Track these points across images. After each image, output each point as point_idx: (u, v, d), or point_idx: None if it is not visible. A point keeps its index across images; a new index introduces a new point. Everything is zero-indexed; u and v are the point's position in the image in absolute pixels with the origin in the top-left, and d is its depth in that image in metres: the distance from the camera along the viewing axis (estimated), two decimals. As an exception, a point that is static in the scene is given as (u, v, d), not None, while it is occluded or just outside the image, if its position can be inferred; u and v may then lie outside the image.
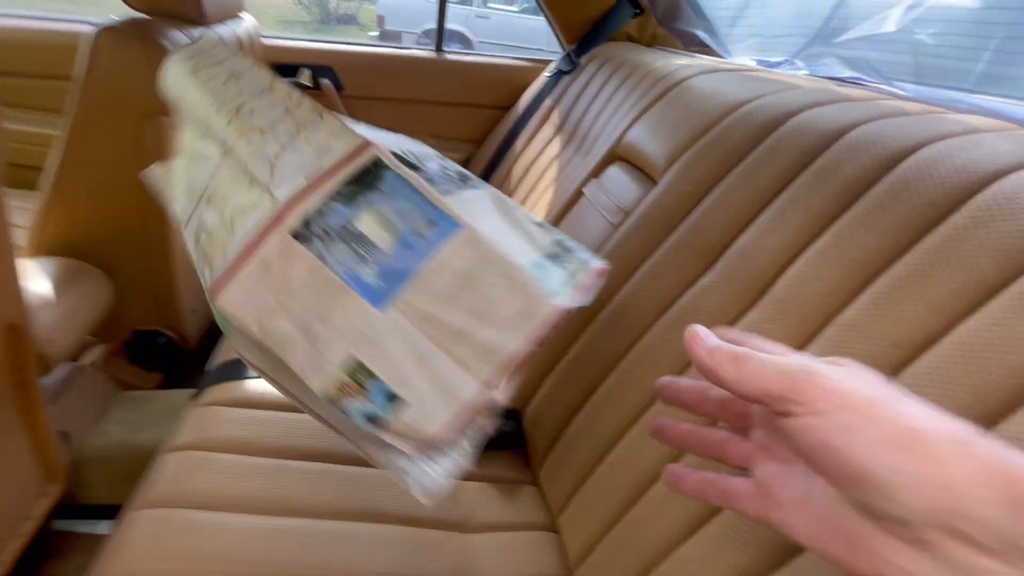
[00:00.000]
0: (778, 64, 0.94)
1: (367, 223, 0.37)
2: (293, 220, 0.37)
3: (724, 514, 0.43)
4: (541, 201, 1.05)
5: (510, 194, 1.20)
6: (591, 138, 1.00)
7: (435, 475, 0.39)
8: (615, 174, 0.80)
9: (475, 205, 0.41)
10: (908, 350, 0.37)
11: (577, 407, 0.64)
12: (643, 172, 0.75)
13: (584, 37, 1.27)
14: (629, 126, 0.83)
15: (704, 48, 1.18)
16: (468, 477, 0.67)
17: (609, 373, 0.62)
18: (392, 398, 0.36)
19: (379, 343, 0.36)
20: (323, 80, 1.41)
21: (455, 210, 0.38)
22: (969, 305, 0.35)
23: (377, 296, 0.36)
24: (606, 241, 0.72)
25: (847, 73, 0.74)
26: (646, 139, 0.76)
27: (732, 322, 0.52)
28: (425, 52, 1.48)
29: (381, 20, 6.17)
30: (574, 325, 0.69)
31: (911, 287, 0.39)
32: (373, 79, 1.44)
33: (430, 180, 0.40)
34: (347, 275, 0.36)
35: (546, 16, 1.31)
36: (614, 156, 0.84)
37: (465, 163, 1.47)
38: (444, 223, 0.38)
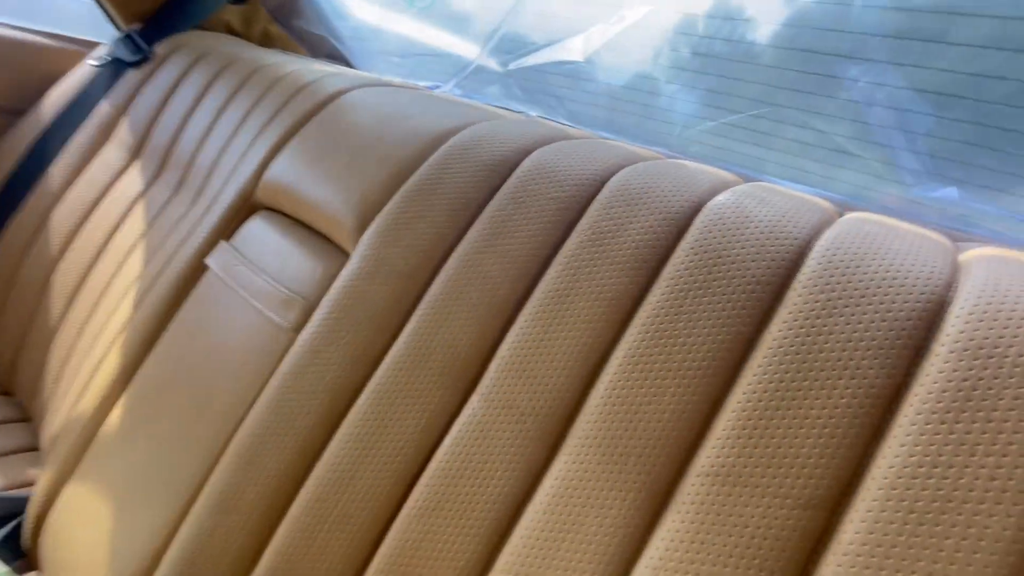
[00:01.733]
0: (432, 88, 0.81)
1: None
2: None
3: None
4: (122, 275, 0.62)
5: (62, 252, 0.70)
6: (198, 170, 0.64)
7: None
8: (263, 234, 0.50)
9: None
10: (825, 511, 0.26)
11: None
12: (317, 234, 0.47)
13: (155, 16, 0.85)
14: (270, 155, 0.54)
15: (336, 60, 0.96)
16: None
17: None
18: None
19: None
20: None
21: None
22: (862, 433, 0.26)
23: None
24: (277, 355, 0.42)
25: (522, 107, 0.65)
26: (309, 179, 0.49)
27: (538, 478, 0.33)
28: None
29: None
30: (255, 521, 0.37)
31: (784, 411, 0.28)
32: None
33: None
34: None
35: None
36: (253, 204, 0.53)
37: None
38: None
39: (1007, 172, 0.52)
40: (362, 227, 0.43)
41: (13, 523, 0.51)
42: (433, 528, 0.34)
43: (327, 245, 0.45)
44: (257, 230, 0.50)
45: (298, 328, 0.42)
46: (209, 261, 0.50)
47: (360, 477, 0.36)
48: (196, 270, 0.51)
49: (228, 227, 0.52)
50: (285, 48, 0.95)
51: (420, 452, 0.36)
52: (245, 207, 0.53)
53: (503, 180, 0.42)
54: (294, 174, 0.50)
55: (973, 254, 0.32)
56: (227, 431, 0.41)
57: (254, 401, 0.41)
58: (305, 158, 0.50)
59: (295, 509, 0.37)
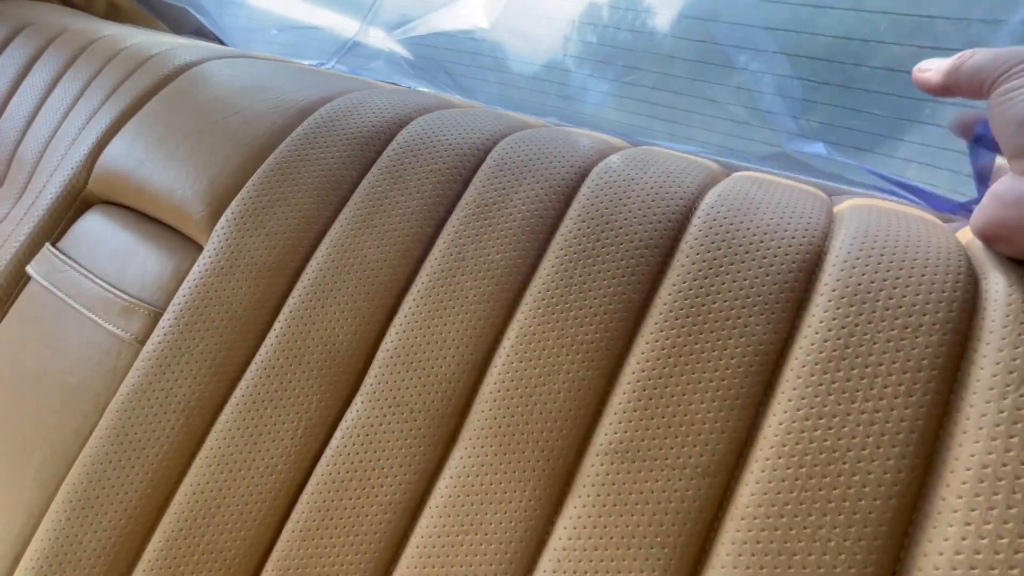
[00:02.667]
0: (319, 65, 0.74)
1: None
2: None
3: None
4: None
5: None
6: (22, 164, 0.54)
7: None
8: (98, 233, 0.42)
9: None
10: (721, 476, 0.25)
11: None
12: (163, 226, 0.40)
13: (-43, -19, 0.71)
14: (104, 139, 0.45)
15: (205, 38, 0.85)
16: None
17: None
18: None
19: None
20: None
21: None
22: (752, 396, 0.26)
23: None
24: (119, 371, 0.35)
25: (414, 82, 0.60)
26: (151, 163, 0.41)
27: (432, 476, 0.30)
28: None
29: None
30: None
31: (676, 378, 0.27)
32: None
33: None
34: None
35: None
36: (85, 198, 0.45)
37: None
38: None
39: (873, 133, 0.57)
40: (215, 216, 0.37)
41: None
42: (318, 550, 0.30)
43: (176, 240, 0.39)
44: (91, 229, 0.42)
45: (143, 339, 0.35)
46: (30, 269, 0.41)
47: (227, 504, 0.31)
48: (15, 281, 0.42)
49: (54, 227, 0.43)
50: (134, 23, 0.83)
51: (298, 466, 0.32)
52: (75, 202, 0.44)
53: (377, 154, 0.37)
54: (133, 160, 0.42)
55: (847, 204, 0.33)
56: (59, 473, 0.34)
57: (91, 433, 0.34)
58: (146, 140, 0.43)
59: (148, 555, 0.31)
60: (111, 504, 0.32)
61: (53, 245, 0.42)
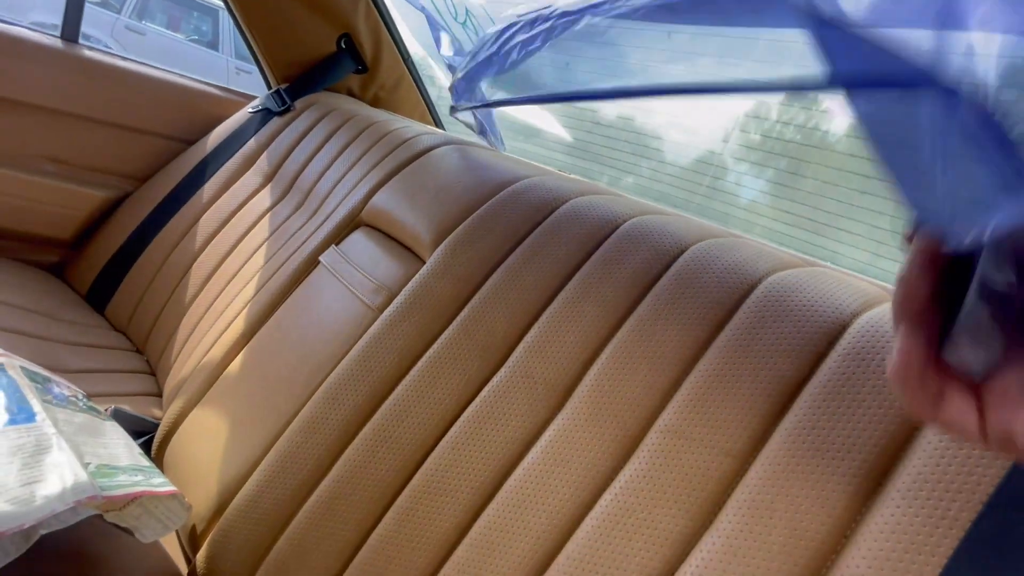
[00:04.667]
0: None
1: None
2: None
3: None
4: (253, 261, 0.81)
5: (203, 247, 0.90)
6: (318, 195, 0.83)
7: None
8: (362, 244, 0.67)
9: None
10: (739, 459, 0.37)
11: (351, 553, 0.46)
12: (403, 246, 0.64)
13: (299, 78, 1.10)
14: (376, 187, 0.71)
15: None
16: None
17: (384, 512, 0.47)
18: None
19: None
20: None
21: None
22: (780, 404, 0.37)
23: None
24: (364, 326, 0.57)
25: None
26: (403, 207, 0.66)
27: (541, 429, 0.45)
28: (53, 39, 1.01)
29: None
30: (333, 439, 0.51)
31: (721, 386, 0.39)
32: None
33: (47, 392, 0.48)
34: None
35: (251, 46, 1.09)
36: (358, 222, 0.71)
37: (119, 201, 1.06)
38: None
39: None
40: (436, 243, 0.58)
41: (144, 438, 0.67)
42: (460, 458, 0.46)
43: (409, 254, 0.61)
44: (359, 240, 0.67)
45: (382, 309, 0.57)
46: (322, 258, 0.67)
47: (413, 415, 0.49)
48: (310, 264, 0.68)
49: (338, 235, 0.69)
50: (389, 109, 1.18)
51: (458, 403, 0.49)
52: (352, 223, 0.70)
53: (544, 218, 0.56)
54: (392, 203, 0.67)
55: None
56: (320, 376, 0.55)
57: (343, 358, 0.55)
58: (401, 193, 0.68)
59: (362, 434, 0.50)
60: (346, 400, 0.52)
61: (336, 245, 0.67)
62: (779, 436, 0.36)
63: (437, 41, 0.73)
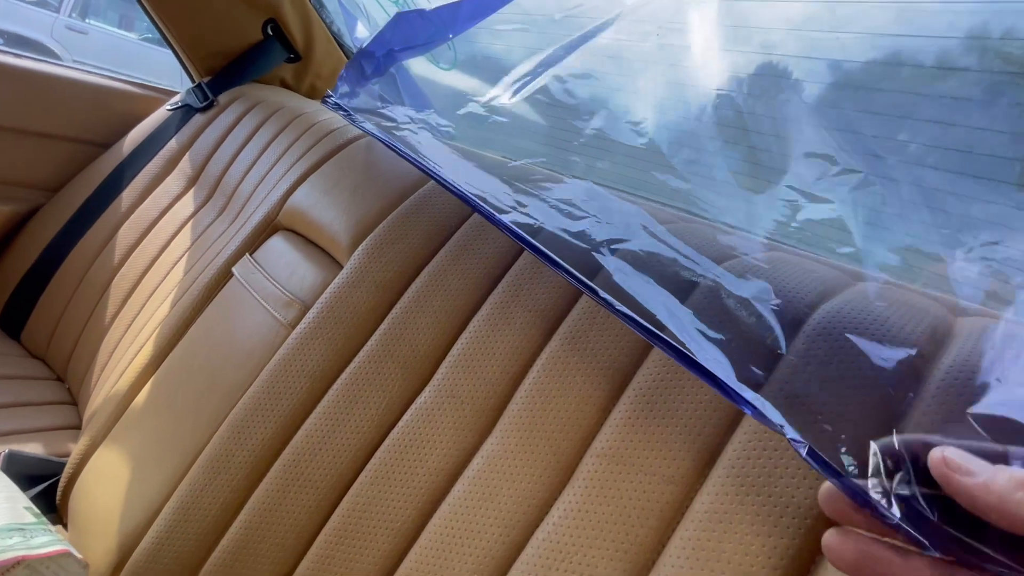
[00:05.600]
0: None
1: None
2: None
3: None
4: (172, 275, 0.73)
5: (123, 261, 0.82)
6: (239, 197, 0.76)
7: None
8: (279, 250, 0.60)
9: None
10: (682, 486, 0.31)
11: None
12: (320, 250, 0.57)
13: (223, 71, 1.01)
14: (293, 187, 0.64)
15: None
16: None
17: (298, 561, 0.41)
18: None
19: None
20: None
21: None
22: (728, 419, 0.32)
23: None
24: (275, 345, 0.50)
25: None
26: (320, 206, 0.59)
27: (468, 457, 0.39)
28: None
29: None
30: (240, 480, 0.45)
31: (663, 399, 0.34)
32: None
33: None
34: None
35: (165, 36, 1.00)
36: (275, 225, 0.63)
37: (29, 215, 0.97)
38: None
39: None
40: (354, 246, 0.52)
41: (49, 482, 0.60)
42: (381, 494, 0.41)
43: (326, 259, 0.54)
44: (275, 246, 0.60)
45: (294, 325, 0.50)
46: (234, 270, 0.59)
47: (328, 449, 0.43)
48: (223, 277, 0.61)
49: (254, 243, 0.62)
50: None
51: (378, 430, 0.43)
52: (269, 227, 0.63)
53: (471, 212, 0.50)
54: (309, 202, 0.60)
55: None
56: (227, 407, 0.49)
57: (252, 383, 0.49)
58: (319, 190, 0.61)
59: (272, 473, 0.44)
60: (254, 433, 0.45)
61: (251, 255, 0.60)
62: (728, 458, 0.31)
63: (351, 28, 0.66)
